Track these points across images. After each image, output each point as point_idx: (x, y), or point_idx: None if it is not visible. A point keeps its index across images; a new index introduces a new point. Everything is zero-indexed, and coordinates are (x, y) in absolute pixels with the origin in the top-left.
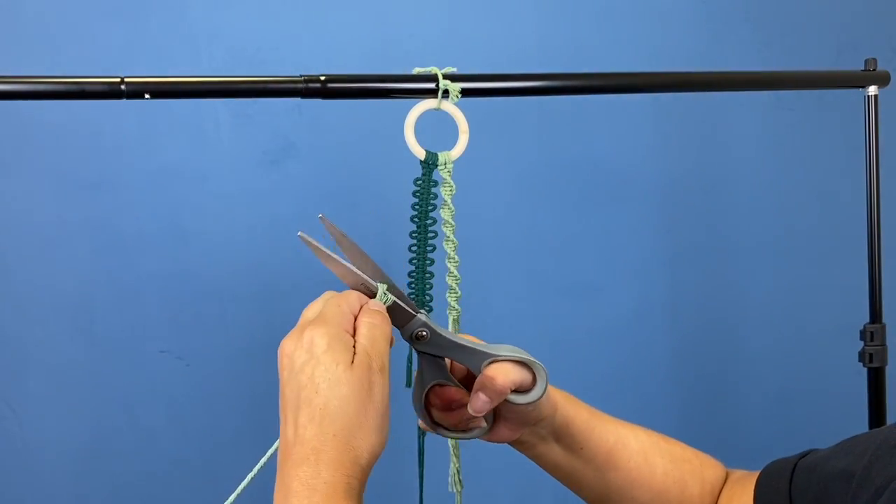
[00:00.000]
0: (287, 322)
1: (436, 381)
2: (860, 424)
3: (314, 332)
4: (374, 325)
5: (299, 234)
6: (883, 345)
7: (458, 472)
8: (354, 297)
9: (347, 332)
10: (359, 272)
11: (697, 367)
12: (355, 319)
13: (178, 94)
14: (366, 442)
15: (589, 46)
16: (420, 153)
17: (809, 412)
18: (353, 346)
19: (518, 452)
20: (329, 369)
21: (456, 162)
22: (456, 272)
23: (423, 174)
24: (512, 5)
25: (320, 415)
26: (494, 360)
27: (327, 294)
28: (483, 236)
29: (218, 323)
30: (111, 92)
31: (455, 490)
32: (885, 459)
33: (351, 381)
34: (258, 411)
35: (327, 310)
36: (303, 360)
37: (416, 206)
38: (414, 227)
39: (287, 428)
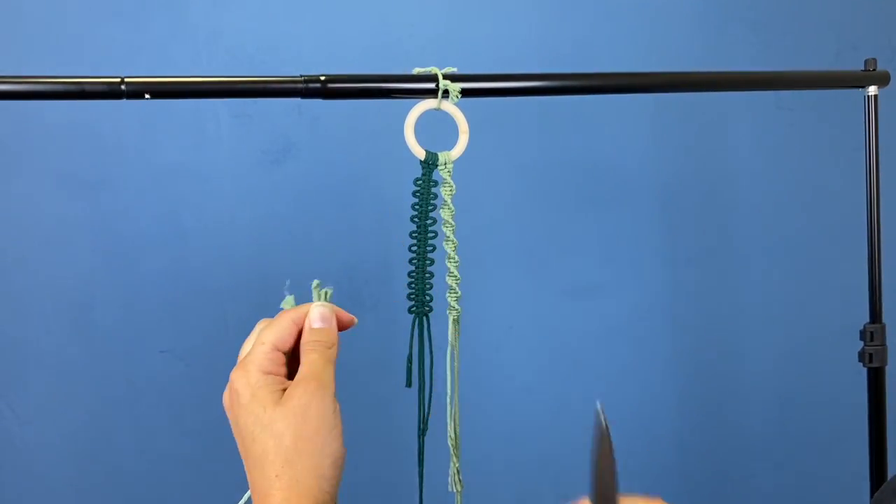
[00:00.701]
0: None
1: None
2: (860, 424)
3: (238, 384)
4: (312, 350)
5: (597, 406)
6: (883, 345)
7: (458, 472)
8: (287, 321)
9: (270, 372)
10: None
11: (697, 367)
12: (299, 337)
13: (179, 94)
14: (309, 470)
15: (589, 46)
16: (420, 153)
17: (809, 412)
18: (282, 380)
19: (518, 452)
20: (257, 414)
21: (456, 162)
22: (456, 272)
23: (423, 174)
24: (512, 5)
25: (260, 461)
26: None
27: (259, 325)
28: (483, 236)
29: (218, 323)
30: (111, 92)
31: (455, 490)
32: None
33: (284, 415)
34: None
35: (251, 353)
36: (236, 411)
37: (416, 206)
38: (414, 227)
39: (248, 480)
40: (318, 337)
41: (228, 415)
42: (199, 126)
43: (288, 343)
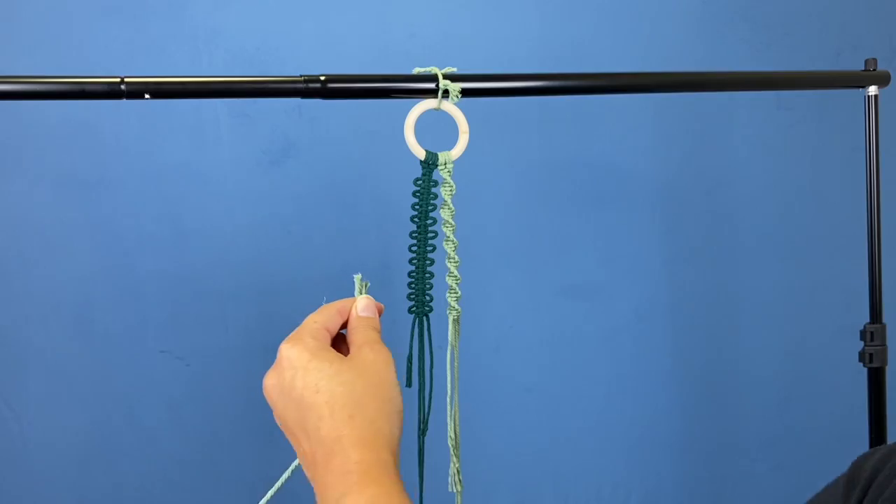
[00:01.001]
0: (287, 321)
1: None
2: (860, 424)
3: (291, 352)
4: (365, 329)
5: None
6: (883, 345)
7: (458, 472)
8: (333, 310)
9: (324, 341)
10: None
11: (697, 367)
12: (344, 328)
13: (178, 94)
14: (381, 414)
15: (589, 46)
16: (420, 153)
17: (809, 412)
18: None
19: (517, 452)
20: (322, 368)
21: (456, 162)
22: (456, 272)
23: (423, 174)
24: (512, 5)
25: (329, 408)
26: None
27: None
28: (483, 236)
29: (218, 323)
30: (111, 92)
31: (455, 490)
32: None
33: (351, 367)
34: (258, 411)
35: (301, 329)
36: (290, 377)
37: (416, 206)
38: (414, 227)
39: (302, 445)
40: (367, 322)
41: (273, 392)
42: (199, 126)
43: (335, 329)
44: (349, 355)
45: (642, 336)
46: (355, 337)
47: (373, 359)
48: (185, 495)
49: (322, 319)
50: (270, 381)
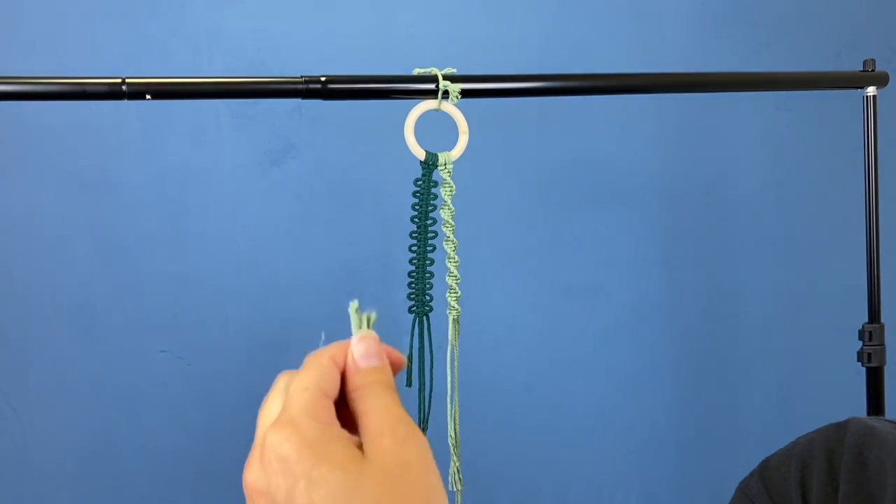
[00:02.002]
0: (286, 321)
1: None
2: None
3: (284, 447)
4: (374, 393)
5: None
6: (881, 344)
7: (458, 471)
8: (325, 361)
9: (329, 423)
10: None
11: (697, 367)
12: (343, 383)
13: (179, 94)
14: None
15: (589, 46)
16: (420, 154)
17: (809, 412)
18: (347, 433)
19: (517, 452)
20: (333, 480)
21: (456, 162)
22: (456, 272)
23: (423, 174)
24: (512, 6)
25: None
26: None
27: (281, 380)
28: (483, 236)
29: (218, 323)
30: (112, 93)
31: (455, 489)
32: None
33: (376, 476)
34: (258, 411)
35: (290, 402)
36: (286, 488)
37: (417, 207)
38: (414, 228)
39: None
40: (374, 377)
41: (261, 499)
42: (200, 127)
43: (335, 389)
44: (368, 449)
45: (642, 336)
46: (363, 410)
47: (404, 456)
48: (186, 494)
49: (315, 381)
50: (255, 483)
